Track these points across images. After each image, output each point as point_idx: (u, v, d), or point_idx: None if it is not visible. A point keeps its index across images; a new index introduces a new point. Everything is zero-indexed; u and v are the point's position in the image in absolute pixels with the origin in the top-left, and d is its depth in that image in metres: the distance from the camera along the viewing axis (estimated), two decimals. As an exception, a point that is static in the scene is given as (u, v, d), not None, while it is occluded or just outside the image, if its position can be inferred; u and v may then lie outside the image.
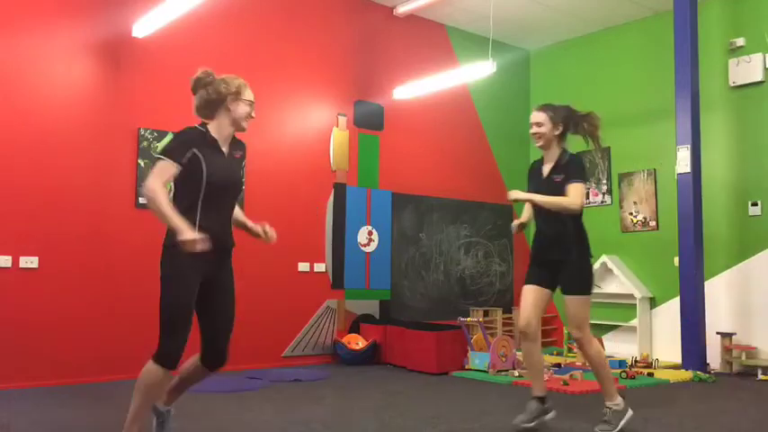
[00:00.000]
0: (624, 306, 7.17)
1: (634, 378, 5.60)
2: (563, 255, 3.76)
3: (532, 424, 3.77)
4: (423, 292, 7.39)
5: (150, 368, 3.00)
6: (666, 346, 6.86)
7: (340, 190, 6.81)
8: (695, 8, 6.30)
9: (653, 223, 7.19)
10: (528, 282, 3.96)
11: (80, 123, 5.33)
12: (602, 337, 7.04)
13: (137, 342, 5.47)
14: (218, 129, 3.13)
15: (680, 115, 6.26)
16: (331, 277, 6.65)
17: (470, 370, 5.96)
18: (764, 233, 6.34)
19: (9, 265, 4.97)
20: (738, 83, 6.57)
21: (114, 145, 5.49)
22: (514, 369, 5.88)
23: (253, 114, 3.24)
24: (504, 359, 5.90)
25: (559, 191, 3.69)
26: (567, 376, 5.51)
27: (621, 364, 6.21)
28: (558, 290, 3.89)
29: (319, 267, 6.58)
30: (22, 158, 5.05)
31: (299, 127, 6.55)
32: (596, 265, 7.18)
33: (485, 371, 5.83)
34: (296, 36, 6.59)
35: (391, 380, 5.55)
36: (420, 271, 7.38)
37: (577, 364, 6.31)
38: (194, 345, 3.17)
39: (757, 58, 6.45)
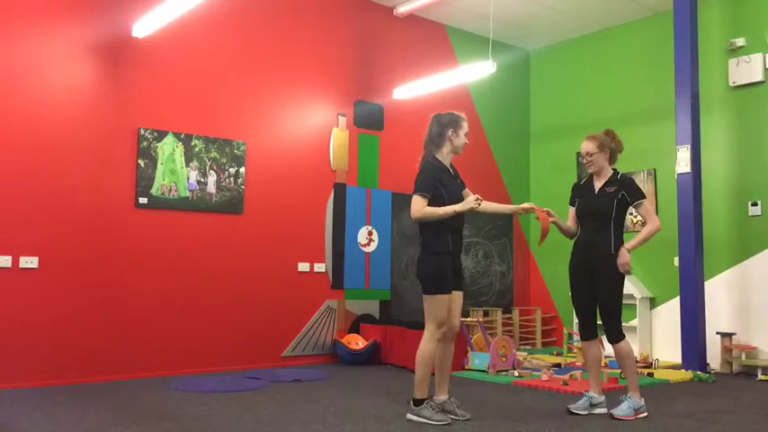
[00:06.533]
0: (624, 306, 7.13)
1: (634, 378, 5.59)
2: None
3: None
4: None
5: None
6: (666, 346, 6.86)
7: (340, 190, 6.80)
8: (695, 8, 6.30)
9: (653, 223, 7.17)
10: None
11: (80, 123, 5.33)
12: (603, 337, 7.02)
13: (137, 342, 5.49)
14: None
15: (680, 115, 6.26)
16: (331, 277, 6.65)
17: (470, 370, 5.96)
18: (764, 233, 6.34)
19: (9, 265, 4.97)
20: (738, 83, 6.57)
21: (114, 145, 5.49)
22: (514, 369, 5.88)
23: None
24: (504, 359, 5.90)
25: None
26: (566, 376, 5.51)
27: (621, 364, 6.20)
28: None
29: (319, 267, 6.58)
30: (22, 158, 5.05)
31: (299, 127, 6.55)
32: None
33: (485, 371, 5.83)
34: (296, 36, 6.59)
35: (391, 380, 5.55)
36: (420, 271, 7.36)
37: (577, 364, 6.31)
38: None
39: (757, 58, 6.45)
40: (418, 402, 3.92)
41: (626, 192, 4.21)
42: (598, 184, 4.30)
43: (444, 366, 4.05)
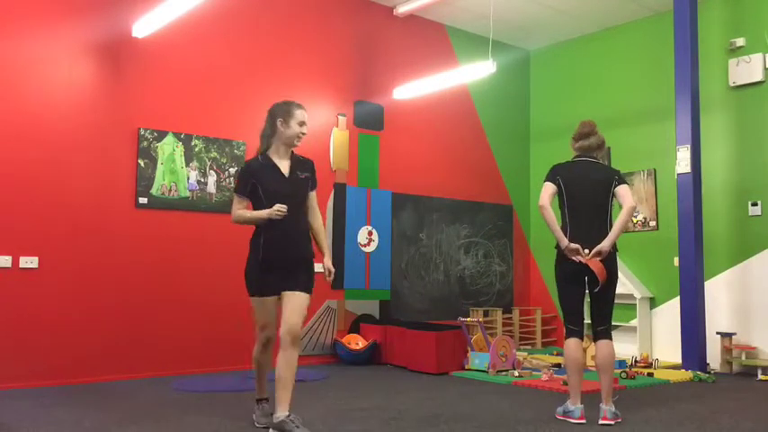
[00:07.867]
0: (624, 306, 7.17)
1: (634, 378, 5.60)
2: None
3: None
4: (423, 292, 7.39)
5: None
6: (666, 346, 6.86)
7: (340, 190, 6.81)
8: (695, 8, 6.30)
9: (653, 223, 7.19)
10: None
11: (80, 123, 5.34)
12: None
13: (137, 342, 5.49)
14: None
15: (680, 115, 6.26)
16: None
17: (470, 370, 5.96)
18: (764, 233, 6.34)
19: (9, 265, 4.97)
20: (738, 83, 6.57)
21: (114, 145, 5.49)
22: (514, 369, 5.88)
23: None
24: (504, 359, 5.90)
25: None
26: (566, 376, 5.50)
27: (621, 364, 6.20)
28: None
29: (319, 267, 6.54)
30: (22, 158, 5.05)
31: (299, 127, 6.55)
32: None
33: (485, 371, 5.83)
34: (296, 36, 6.59)
35: (391, 380, 5.55)
36: (420, 271, 7.37)
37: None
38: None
39: (757, 58, 6.45)
40: (257, 401, 3.84)
41: None
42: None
43: (281, 377, 3.46)
